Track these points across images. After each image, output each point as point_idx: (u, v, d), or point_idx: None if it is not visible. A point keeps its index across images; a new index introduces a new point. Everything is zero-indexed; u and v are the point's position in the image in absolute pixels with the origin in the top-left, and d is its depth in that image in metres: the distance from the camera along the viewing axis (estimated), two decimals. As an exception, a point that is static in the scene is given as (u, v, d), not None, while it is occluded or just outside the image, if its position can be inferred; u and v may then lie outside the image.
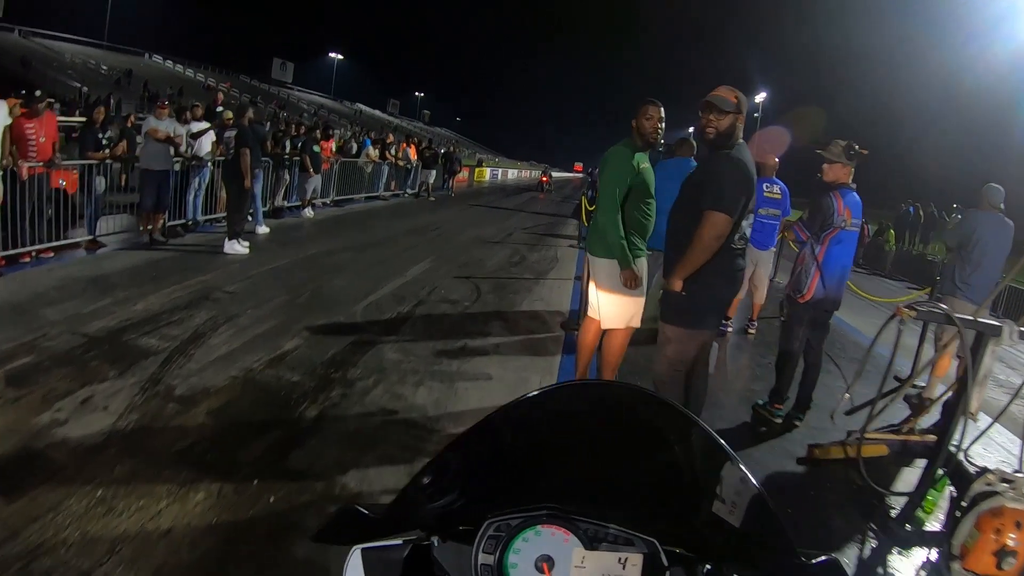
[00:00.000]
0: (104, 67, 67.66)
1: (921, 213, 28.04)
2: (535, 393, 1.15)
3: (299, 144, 16.36)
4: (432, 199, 25.25)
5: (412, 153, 25.02)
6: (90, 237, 10.21)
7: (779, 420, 5.86)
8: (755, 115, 66.45)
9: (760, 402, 6.04)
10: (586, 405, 1.22)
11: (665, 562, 1.00)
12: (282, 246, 12.09)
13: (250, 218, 12.55)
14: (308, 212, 16.51)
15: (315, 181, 16.67)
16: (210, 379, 5.39)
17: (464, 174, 40.13)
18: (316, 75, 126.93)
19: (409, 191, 25.53)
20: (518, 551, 1.01)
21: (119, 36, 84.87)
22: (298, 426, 4.75)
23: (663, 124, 5.06)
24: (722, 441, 1.09)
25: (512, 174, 63.15)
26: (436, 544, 1.04)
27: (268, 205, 15.48)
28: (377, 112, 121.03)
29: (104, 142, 10.56)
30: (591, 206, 11.59)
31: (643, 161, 5.16)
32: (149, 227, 11.03)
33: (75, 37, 77.50)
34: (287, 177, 16.42)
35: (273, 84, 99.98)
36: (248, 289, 8.53)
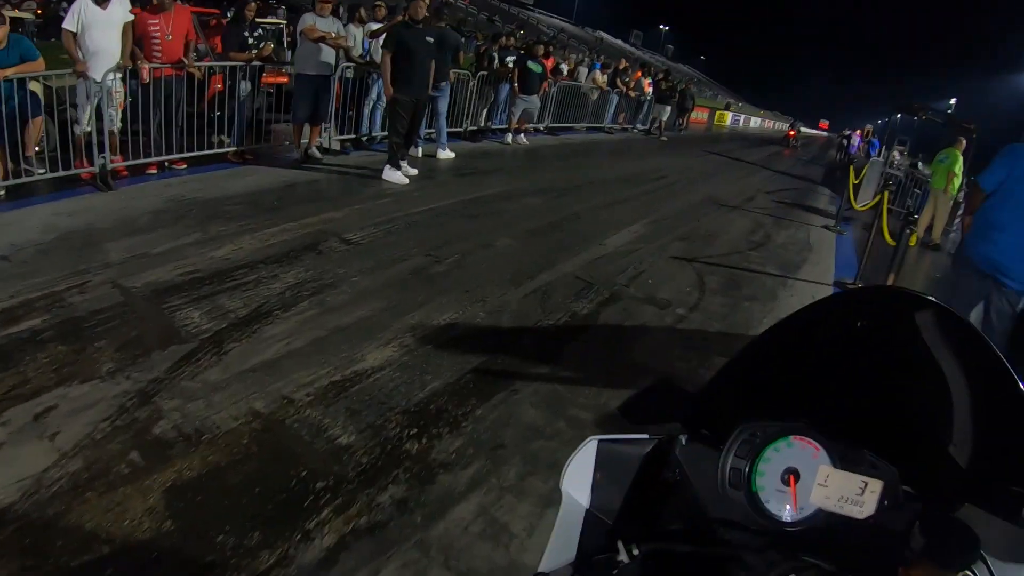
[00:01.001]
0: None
1: None
2: (809, 305, 1.10)
3: (510, 60, 13.83)
4: (664, 139, 21.87)
5: (646, 85, 21.86)
6: (234, 149, 8.85)
7: None
8: None
9: None
10: (859, 316, 1.09)
11: (901, 496, 0.97)
12: (459, 178, 9.77)
13: (428, 141, 10.72)
14: (511, 138, 13.99)
15: (528, 104, 14.03)
16: (217, 412, 3.41)
17: (703, 115, 37.63)
18: None
19: (639, 127, 22.54)
20: (768, 460, 1.00)
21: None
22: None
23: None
24: (1009, 367, 0.96)
25: (755, 122, 60.01)
26: (683, 443, 1.05)
27: (465, 126, 13.32)
28: (619, 41, 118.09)
29: (251, 41, 8.89)
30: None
31: None
32: (304, 141, 9.28)
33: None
34: (493, 95, 13.91)
35: (513, 5, 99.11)
36: (376, 240, 6.41)
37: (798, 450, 1.00)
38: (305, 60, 8.91)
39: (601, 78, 19.30)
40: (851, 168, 13.69)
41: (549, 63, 15.51)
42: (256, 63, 8.75)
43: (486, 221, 7.58)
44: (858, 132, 34.42)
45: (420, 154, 10.56)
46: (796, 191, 16.83)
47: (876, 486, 0.95)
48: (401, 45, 8.26)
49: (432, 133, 11.14)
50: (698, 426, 1.08)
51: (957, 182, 14.47)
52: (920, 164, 23.52)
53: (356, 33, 9.95)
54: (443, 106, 10.78)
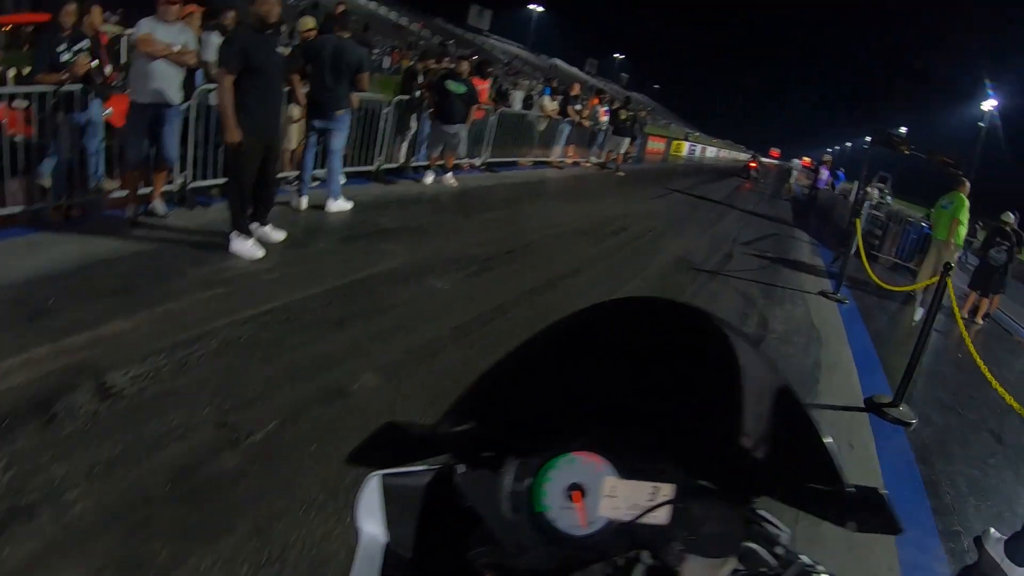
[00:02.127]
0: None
1: None
2: (573, 314, 0.97)
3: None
4: (621, 174, 19.50)
5: (602, 114, 19.44)
6: (53, 204, 6.39)
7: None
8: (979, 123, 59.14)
9: None
10: (628, 325, 1.03)
11: (697, 493, 1.00)
12: (345, 244, 7.18)
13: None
14: (431, 179, 11.25)
15: (449, 135, 11.15)
16: None
17: (660, 146, 35.54)
18: (515, 25, 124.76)
19: (593, 159, 20.03)
20: (549, 479, 0.99)
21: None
22: None
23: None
24: (773, 364, 0.97)
25: (711, 152, 58.85)
26: (460, 472, 1.00)
27: (377, 164, 10.69)
28: (574, 69, 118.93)
29: (66, 57, 6.34)
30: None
31: None
32: (146, 191, 6.90)
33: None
34: (416, 125, 11.35)
35: (469, 30, 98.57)
36: (152, 388, 3.71)
37: (580, 465, 1.00)
38: (138, 83, 6.35)
39: (551, 105, 16.81)
40: (857, 221, 11.40)
41: (483, 85, 12.94)
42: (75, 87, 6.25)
43: (357, 330, 4.91)
44: (824, 164, 32.67)
45: (304, 205, 7.93)
46: (773, 240, 14.60)
47: (668, 489, 0.99)
48: (246, 62, 5.69)
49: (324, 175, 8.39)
50: (481, 450, 1.01)
51: (963, 231, 12.28)
52: (889, 197, 21.31)
53: (207, 43, 7.27)
54: (338, 142, 8.03)
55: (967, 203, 12.15)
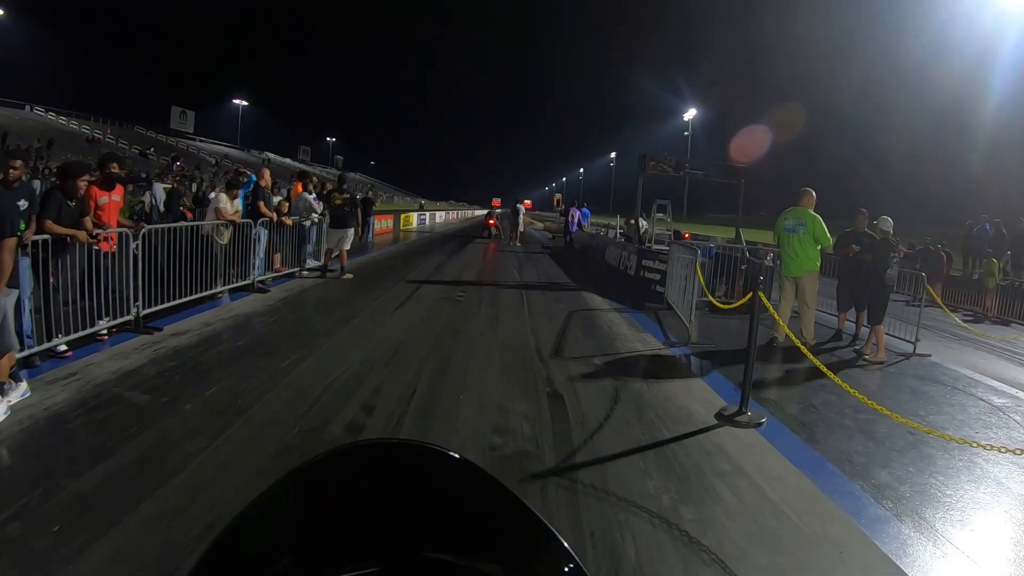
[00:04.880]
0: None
1: (1005, 231, 23.19)
2: (309, 462, 1.05)
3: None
4: (348, 276, 14.55)
5: (310, 198, 15.10)
6: None
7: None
8: (685, 133, 62.83)
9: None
10: (370, 466, 1.13)
11: None
12: None
13: None
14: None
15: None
16: None
17: (389, 223, 32.75)
18: (220, 124, 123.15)
19: (312, 264, 15.23)
20: None
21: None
22: None
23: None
24: (521, 500, 1.04)
25: (440, 217, 58.96)
26: None
27: None
28: (287, 160, 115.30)
29: None
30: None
31: None
32: None
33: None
34: None
35: (172, 135, 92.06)
36: None
37: None
38: None
39: (231, 206, 11.59)
40: (697, 265, 9.74)
41: (115, 196, 8.14)
42: None
43: None
44: (574, 207, 30.29)
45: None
46: (578, 326, 10.60)
47: None
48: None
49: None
50: None
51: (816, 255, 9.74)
52: (642, 221, 18.66)
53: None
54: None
55: (819, 219, 9.09)
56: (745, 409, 6.38)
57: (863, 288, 9.79)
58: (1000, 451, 5.24)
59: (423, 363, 7.65)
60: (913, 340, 10.00)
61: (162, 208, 15.78)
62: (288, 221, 13.55)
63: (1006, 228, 22.92)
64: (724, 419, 6.35)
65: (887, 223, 9.65)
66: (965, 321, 13.69)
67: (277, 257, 13.37)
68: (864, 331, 10.02)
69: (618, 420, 6.18)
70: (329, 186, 16.47)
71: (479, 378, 7.22)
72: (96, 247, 7.46)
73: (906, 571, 3.90)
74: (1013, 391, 8.19)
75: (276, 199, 13.57)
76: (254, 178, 13.08)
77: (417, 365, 7.54)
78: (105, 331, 7.78)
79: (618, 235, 23.91)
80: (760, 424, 6.27)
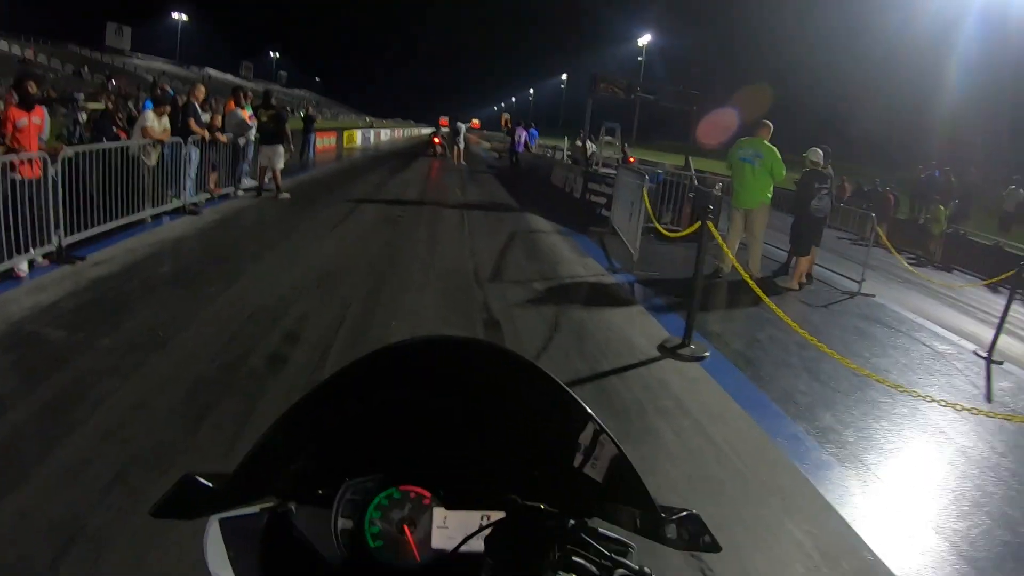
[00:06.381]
0: None
1: (954, 180, 23.61)
2: (388, 347, 1.02)
3: None
4: (285, 196, 13.76)
5: (245, 115, 13.86)
6: None
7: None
8: (639, 58, 62.45)
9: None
10: (441, 361, 1.08)
11: (526, 518, 0.98)
12: None
13: None
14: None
15: None
16: None
17: (331, 141, 31.15)
18: (159, 39, 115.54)
19: (246, 185, 14.21)
20: (378, 514, 1.00)
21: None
22: None
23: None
24: (578, 399, 1.01)
25: (385, 135, 56.23)
26: (294, 511, 0.99)
27: None
28: (229, 76, 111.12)
29: None
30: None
31: None
32: None
33: None
34: None
35: (108, 52, 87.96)
36: None
37: (407, 498, 1.01)
38: None
39: (159, 124, 10.59)
40: (644, 191, 9.87)
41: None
42: None
43: None
44: (521, 127, 29.61)
45: None
46: (520, 249, 10.30)
47: (497, 515, 0.98)
48: None
49: None
50: (310, 489, 1.00)
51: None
52: (590, 144, 18.34)
53: None
54: None
55: (776, 151, 8.83)
56: (689, 342, 6.20)
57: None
58: (941, 404, 5.18)
59: (355, 288, 7.27)
60: (859, 279, 9.87)
61: (85, 130, 14.66)
62: (223, 138, 12.75)
63: (955, 177, 23.14)
64: (667, 351, 6.15)
65: (816, 154, 9.41)
66: (909, 264, 13.69)
67: (212, 177, 12.58)
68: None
69: (557, 350, 5.96)
70: (258, 102, 15.49)
71: (414, 304, 6.89)
72: (15, 174, 6.75)
73: (849, 521, 3.75)
74: (955, 338, 8.13)
75: (206, 116, 12.64)
76: (172, 93, 12.28)
77: (349, 291, 7.16)
78: (25, 264, 7.03)
79: (565, 157, 23.51)
80: (703, 358, 6.10)
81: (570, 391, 1.00)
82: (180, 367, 4.95)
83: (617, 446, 0.99)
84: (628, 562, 0.93)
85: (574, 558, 0.95)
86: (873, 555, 3.49)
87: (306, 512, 0.98)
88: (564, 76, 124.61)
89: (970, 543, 3.73)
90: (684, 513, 1.01)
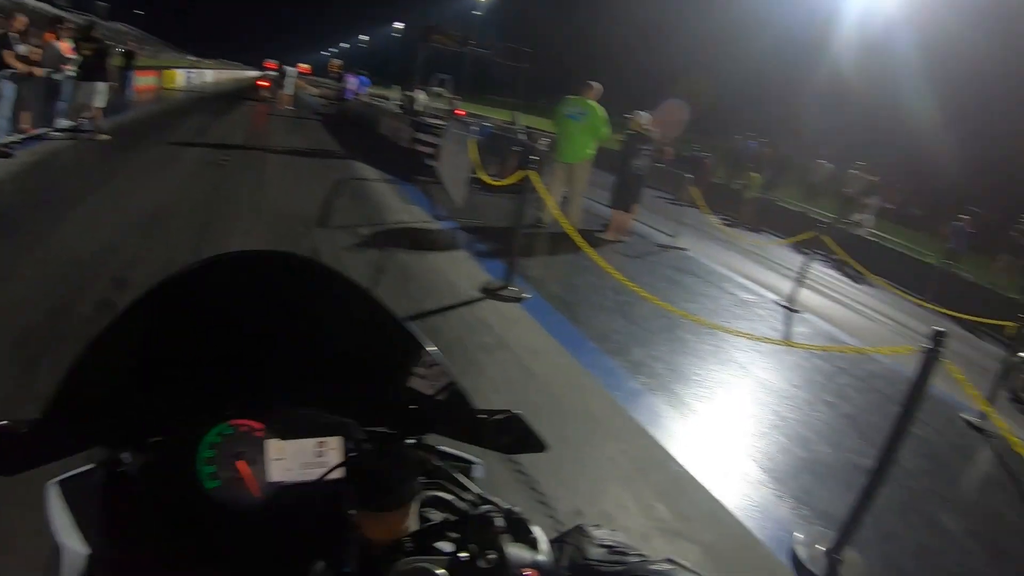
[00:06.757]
0: None
1: (768, 151, 24.76)
2: (183, 271, 1.00)
3: None
4: (105, 137, 12.66)
5: (66, 49, 12.58)
6: None
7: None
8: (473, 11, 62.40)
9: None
10: (252, 281, 1.08)
11: (365, 442, 0.99)
12: None
13: None
14: None
15: None
16: None
17: (151, 80, 28.47)
18: None
19: (61, 124, 12.86)
20: (211, 452, 0.96)
21: None
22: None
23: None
24: (396, 315, 1.04)
25: (209, 76, 52.91)
26: (127, 462, 0.95)
27: None
28: (41, 4, 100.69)
29: None
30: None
31: None
32: None
33: None
34: None
35: None
36: None
37: (240, 433, 0.97)
38: None
39: None
40: (471, 142, 10.01)
41: None
42: None
43: None
44: (351, 74, 28.97)
45: None
46: (349, 197, 10.20)
47: (334, 442, 0.97)
48: None
49: None
50: (136, 435, 0.96)
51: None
52: (420, 94, 18.35)
53: None
54: None
55: (602, 112, 9.13)
56: (509, 284, 6.46)
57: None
58: (743, 336, 5.63)
59: (181, 233, 7.02)
60: (672, 234, 10.45)
61: None
62: (38, 72, 11.64)
63: (771, 147, 24.48)
64: (489, 293, 6.38)
65: (642, 117, 9.97)
66: (723, 224, 14.48)
67: (25, 116, 11.50)
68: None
69: (382, 291, 5.82)
70: (79, 34, 14.29)
71: (241, 248, 6.65)
72: None
73: (658, 439, 4.12)
74: (760, 289, 8.94)
75: (24, 48, 11.49)
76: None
77: (175, 235, 6.91)
78: None
79: (396, 107, 23.30)
80: (524, 299, 6.37)
81: (386, 305, 1.01)
82: (3, 316, 4.61)
83: (440, 358, 1.01)
84: (496, 500, 0.95)
85: (435, 493, 0.97)
86: (680, 467, 3.85)
87: (140, 460, 0.94)
88: (400, 25, 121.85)
89: (769, 458, 4.22)
90: (507, 414, 1.05)
